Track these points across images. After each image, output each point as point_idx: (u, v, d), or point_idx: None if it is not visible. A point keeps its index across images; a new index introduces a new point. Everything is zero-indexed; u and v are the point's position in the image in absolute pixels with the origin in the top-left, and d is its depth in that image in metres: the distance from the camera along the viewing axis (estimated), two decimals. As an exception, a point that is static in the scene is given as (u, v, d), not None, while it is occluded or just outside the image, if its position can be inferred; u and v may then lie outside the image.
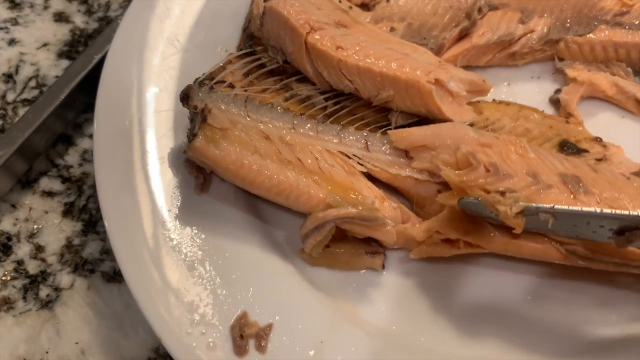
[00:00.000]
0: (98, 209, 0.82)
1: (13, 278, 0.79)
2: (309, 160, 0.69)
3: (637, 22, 0.81)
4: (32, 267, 0.80)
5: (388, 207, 0.68)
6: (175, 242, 0.69)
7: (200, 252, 0.69)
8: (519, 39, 0.82)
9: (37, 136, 0.84)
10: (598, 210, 0.57)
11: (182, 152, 0.75)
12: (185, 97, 0.69)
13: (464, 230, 0.65)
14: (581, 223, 0.59)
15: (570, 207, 0.59)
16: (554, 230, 0.61)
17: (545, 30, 0.81)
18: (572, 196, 0.65)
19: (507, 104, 0.79)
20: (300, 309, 0.66)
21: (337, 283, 0.69)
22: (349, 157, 0.71)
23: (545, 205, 0.59)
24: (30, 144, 0.84)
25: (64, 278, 0.79)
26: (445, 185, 0.68)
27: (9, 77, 0.95)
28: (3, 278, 0.79)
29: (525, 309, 0.68)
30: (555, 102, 0.82)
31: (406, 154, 0.72)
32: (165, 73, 0.81)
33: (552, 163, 0.68)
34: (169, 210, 0.71)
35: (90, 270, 0.79)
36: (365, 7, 0.85)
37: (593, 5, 0.83)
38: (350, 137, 0.73)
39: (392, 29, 0.82)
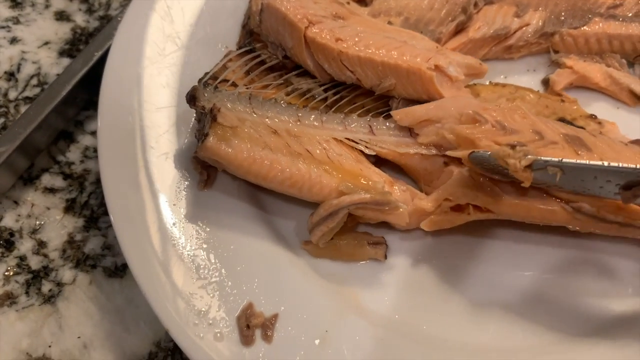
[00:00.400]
0: (99, 205, 0.84)
1: (16, 273, 0.79)
2: (318, 151, 0.69)
3: (630, 15, 0.82)
4: (35, 262, 0.80)
5: (398, 190, 0.70)
6: (180, 236, 0.69)
7: (205, 245, 0.69)
8: (515, 32, 0.83)
9: (39, 133, 0.85)
10: (606, 163, 0.58)
11: (183, 147, 0.76)
12: (192, 98, 0.70)
13: (473, 194, 0.65)
14: (588, 178, 0.60)
15: (578, 161, 0.59)
16: (562, 184, 0.61)
17: (540, 23, 0.82)
18: (575, 154, 0.66)
19: (503, 85, 0.81)
20: (305, 299, 0.66)
21: (340, 274, 0.70)
22: (356, 142, 0.72)
23: (553, 159, 0.60)
24: (32, 141, 0.84)
25: (66, 273, 0.79)
26: (451, 159, 0.69)
27: (11, 76, 0.95)
28: (6, 273, 0.79)
29: (527, 296, 0.69)
30: (545, 82, 0.84)
31: (410, 133, 0.73)
32: (166, 70, 0.81)
33: (553, 126, 0.70)
34: (174, 205, 0.71)
35: (92, 266, 0.80)
36: (362, 2, 0.86)
37: (587, -2, 0.84)
38: (355, 124, 0.74)
39: (389, 24, 0.82)
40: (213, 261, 0.68)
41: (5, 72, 0.96)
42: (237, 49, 0.83)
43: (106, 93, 0.78)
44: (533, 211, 0.66)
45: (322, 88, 0.78)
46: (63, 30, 1.00)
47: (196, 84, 0.76)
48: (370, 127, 0.74)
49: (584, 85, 0.83)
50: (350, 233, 0.70)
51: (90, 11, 1.02)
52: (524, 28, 0.83)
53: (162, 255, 0.68)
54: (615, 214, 0.64)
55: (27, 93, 0.94)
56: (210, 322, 0.64)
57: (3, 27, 1.00)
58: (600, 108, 0.80)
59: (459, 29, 0.82)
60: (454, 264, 0.71)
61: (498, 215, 0.68)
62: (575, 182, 0.61)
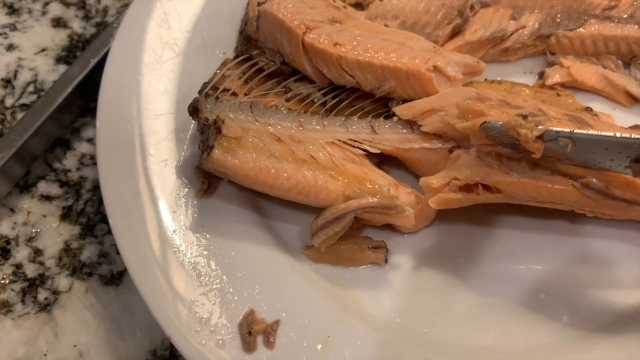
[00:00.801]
0: (96, 213, 0.83)
1: (12, 281, 0.79)
2: (322, 156, 0.69)
3: (625, 16, 0.82)
4: (31, 270, 0.80)
5: (403, 193, 0.70)
6: (180, 243, 0.69)
7: (206, 252, 0.69)
8: (511, 35, 0.83)
9: (35, 140, 0.84)
10: (618, 134, 0.57)
11: (183, 154, 0.76)
12: (194, 110, 0.70)
13: (482, 172, 0.65)
14: (599, 150, 0.59)
15: (590, 132, 0.59)
16: (572, 157, 0.61)
17: (536, 25, 0.83)
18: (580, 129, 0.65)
19: (499, 82, 0.81)
20: (306, 304, 0.67)
21: (341, 278, 0.70)
22: (360, 142, 0.72)
23: (565, 130, 0.60)
24: (28, 148, 0.84)
25: (62, 281, 0.79)
26: (456, 146, 0.70)
27: (7, 82, 0.95)
28: (2, 281, 0.79)
29: (528, 297, 0.69)
30: (540, 75, 0.84)
31: (412, 129, 0.73)
32: (164, 77, 0.81)
33: (554, 108, 0.70)
34: (174, 212, 0.71)
35: (88, 274, 0.79)
36: (359, 6, 0.87)
37: (582, 0, 0.84)
38: (356, 125, 0.74)
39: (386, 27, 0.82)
40: (214, 268, 0.68)
41: (2, 79, 0.95)
42: (234, 56, 0.83)
43: (105, 100, 0.78)
44: (542, 189, 0.65)
45: (321, 92, 0.78)
46: (60, 37, 1.00)
47: (195, 91, 0.77)
48: (372, 127, 0.74)
49: (581, 88, 0.83)
50: (350, 238, 0.71)
51: (87, 18, 1.02)
52: (520, 30, 0.83)
53: (163, 262, 0.68)
54: (623, 190, 0.64)
55: (24, 100, 0.94)
56: (212, 329, 0.64)
57: (0, 34, 1.00)
58: (597, 109, 0.80)
59: (456, 32, 0.83)
60: (455, 267, 0.71)
61: (507, 197, 0.67)
62: (586, 155, 0.61)
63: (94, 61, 0.88)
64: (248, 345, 0.63)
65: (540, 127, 0.60)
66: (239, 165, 0.67)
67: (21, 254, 0.81)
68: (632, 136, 0.57)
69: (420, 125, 0.73)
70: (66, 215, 0.84)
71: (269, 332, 0.64)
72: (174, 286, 0.66)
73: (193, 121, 0.76)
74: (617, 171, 0.61)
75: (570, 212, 0.69)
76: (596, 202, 0.65)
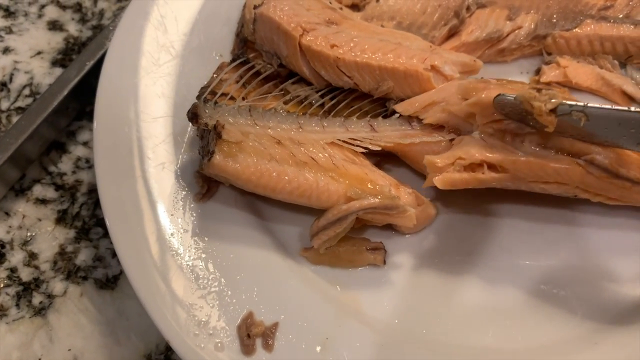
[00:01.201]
0: (91, 217, 0.83)
1: (6, 285, 0.78)
2: (323, 158, 0.69)
3: (621, 16, 0.83)
4: (26, 274, 0.79)
5: (404, 193, 0.70)
6: (178, 246, 0.69)
7: (204, 255, 0.69)
8: (507, 35, 0.83)
9: (30, 143, 0.84)
10: (632, 108, 0.58)
11: (180, 157, 0.76)
12: (193, 116, 0.70)
13: (487, 150, 0.65)
14: (612, 125, 0.59)
15: (603, 106, 0.59)
16: (585, 132, 0.61)
17: (532, 26, 0.83)
18: None
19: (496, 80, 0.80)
20: (304, 306, 0.67)
21: (339, 280, 0.70)
22: (361, 141, 0.72)
23: (578, 103, 0.60)
24: (23, 151, 0.83)
25: (57, 285, 0.78)
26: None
27: (3, 86, 0.95)
28: (-4, 285, 0.78)
29: (527, 297, 0.69)
30: (537, 72, 0.85)
31: (411, 126, 0.73)
32: (161, 79, 0.81)
33: None
34: (172, 215, 0.71)
35: (83, 278, 0.79)
36: (355, 7, 0.87)
37: (578, 0, 0.85)
38: (355, 125, 0.74)
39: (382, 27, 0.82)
40: (212, 271, 0.68)
41: (-2, 83, 0.95)
42: (231, 59, 0.83)
43: (102, 104, 0.78)
44: (547, 168, 0.65)
45: (319, 94, 0.78)
46: (56, 40, 0.99)
47: (192, 94, 0.77)
48: (371, 126, 0.74)
49: (578, 89, 0.83)
50: (348, 239, 0.70)
51: (83, 21, 1.01)
52: (516, 31, 0.83)
53: (161, 265, 0.68)
54: (628, 168, 0.64)
55: (20, 103, 0.93)
56: (211, 332, 0.64)
57: (-5, 37, 1.00)
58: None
59: (452, 33, 0.83)
60: (453, 268, 0.71)
61: (512, 177, 0.67)
62: (599, 130, 0.61)
63: (89, 64, 0.88)
64: (247, 348, 0.63)
65: (554, 100, 0.60)
66: (241, 169, 0.67)
67: (16, 257, 0.80)
68: None
69: (422, 120, 0.73)
70: (61, 218, 0.83)
71: (268, 335, 0.64)
72: (172, 289, 0.66)
73: (191, 124, 0.75)
74: (629, 148, 0.61)
75: (570, 213, 0.70)
76: (600, 181, 0.65)
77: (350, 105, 0.77)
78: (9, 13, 1.02)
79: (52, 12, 1.02)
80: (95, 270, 0.79)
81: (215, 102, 0.72)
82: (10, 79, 0.95)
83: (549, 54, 0.85)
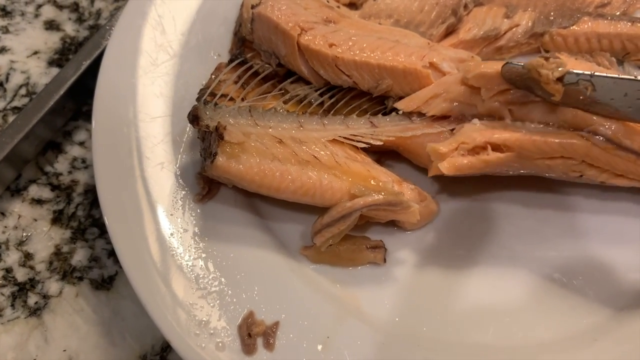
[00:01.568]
0: (87, 217, 0.83)
1: (1, 286, 0.78)
2: (325, 157, 0.69)
3: (618, 13, 0.83)
4: (21, 274, 0.79)
5: (406, 189, 0.70)
6: (178, 246, 0.69)
7: (204, 254, 0.69)
8: (505, 33, 0.83)
9: (26, 143, 0.83)
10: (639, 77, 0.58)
11: (179, 156, 0.75)
12: (194, 118, 0.70)
13: (490, 131, 0.66)
14: (618, 95, 0.60)
15: (610, 75, 0.60)
16: (591, 101, 0.62)
17: (530, 24, 0.83)
18: None
19: None
20: (305, 305, 0.67)
21: (340, 278, 0.70)
22: (362, 137, 0.72)
23: (585, 72, 0.60)
24: (19, 151, 0.83)
25: (53, 285, 0.78)
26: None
27: (-1, 85, 0.95)
28: (-9, 286, 0.77)
29: (527, 295, 0.69)
30: None
31: (411, 120, 0.73)
32: (159, 79, 0.81)
33: None
34: (171, 215, 0.71)
35: (79, 278, 0.78)
36: (353, 5, 0.87)
37: (575, -3, 0.85)
38: (356, 122, 0.74)
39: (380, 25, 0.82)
40: (212, 270, 0.68)
41: (-7, 82, 0.95)
42: (229, 59, 0.83)
43: (100, 104, 0.77)
44: (552, 143, 0.66)
45: (318, 93, 0.78)
46: (52, 40, 0.99)
47: (191, 93, 0.78)
48: (372, 122, 0.74)
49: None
50: (348, 238, 0.70)
51: (80, 20, 1.01)
52: (513, 29, 0.83)
53: (161, 265, 0.67)
54: (632, 140, 0.64)
55: (16, 103, 0.93)
56: (212, 331, 0.64)
57: (-8, 37, 0.99)
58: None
59: (450, 31, 0.83)
60: (454, 266, 0.71)
61: (517, 156, 0.67)
62: (605, 100, 0.61)
63: (86, 64, 0.87)
64: (248, 348, 0.63)
65: (561, 68, 0.61)
66: (244, 170, 0.66)
67: (11, 258, 0.80)
68: None
69: (424, 114, 0.73)
70: (57, 219, 0.83)
71: (269, 334, 0.64)
72: (172, 289, 0.66)
73: (189, 123, 0.75)
74: (635, 119, 0.62)
75: (570, 212, 0.71)
76: (606, 153, 0.65)
77: (350, 103, 0.77)
78: (5, 12, 1.01)
79: (48, 11, 1.02)
80: (90, 271, 0.79)
81: (216, 104, 0.72)
82: (7, 79, 0.95)
83: (547, 51, 0.84)
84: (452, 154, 0.68)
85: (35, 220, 0.83)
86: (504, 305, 0.68)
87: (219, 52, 0.85)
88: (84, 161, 0.88)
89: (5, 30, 1.00)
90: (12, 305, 0.76)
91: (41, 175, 0.87)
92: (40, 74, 0.95)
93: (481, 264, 0.71)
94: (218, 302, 0.66)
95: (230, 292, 0.67)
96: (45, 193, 0.85)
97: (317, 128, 0.73)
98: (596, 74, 0.60)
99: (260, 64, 0.80)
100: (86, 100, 0.89)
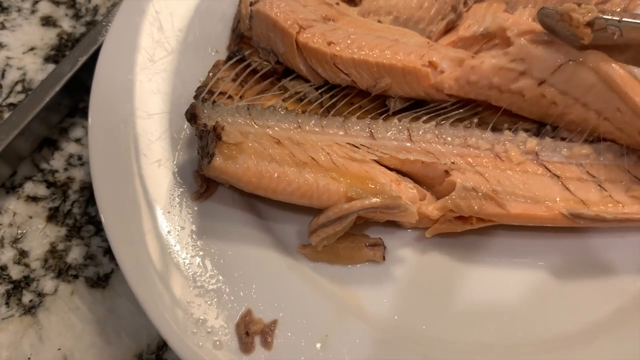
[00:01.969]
0: (83, 214, 0.82)
1: (-5, 283, 0.77)
2: (322, 157, 0.69)
3: (619, 10, 0.82)
4: (16, 272, 0.78)
5: (405, 189, 0.70)
6: (175, 244, 0.69)
7: (201, 252, 0.69)
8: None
9: (21, 140, 0.83)
10: None
11: (176, 154, 0.75)
12: (192, 117, 0.69)
13: (478, 207, 0.67)
14: None
15: (637, 20, 0.64)
16: (618, 44, 0.66)
17: (530, 20, 0.81)
18: None
19: None
20: (304, 303, 0.66)
21: (339, 276, 0.70)
22: (358, 148, 0.71)
23: (614, 17, 0.64)
24: (14, 148, 0.82)
25: (48, 283, 0.77)
26: (452, 167, 0.70)
27: (-5, 82, 0.94)
28: (-15, 283, 0.77)
29: (526, 293, 0.69)
30: None
31: (410, 136, 0.72)
32: (157, 76, 0.80)
33: None
34: (168, 212, 0.71)
35: (74, 276, 0.78)
36: (352, 2, 0.86)
37: (575, -6, 0.84)
38: (355, 127, 0.73)
39: (379, 23, 0.82)
40: (210, 268, 0.68)
41: (-11, 79, 0.94)
42: (227, 56, 0.82)
43: (96, 100, 0.77)
44: (535, 220, 0.68)
45: (319, 92, 0.77)
46: (49, 36, 0.98)
47: (188, 90, 0.77)
48: (371, 130, 0.73)
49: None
50: (347, 236, 0.70)
51: (77, 17, 1.00)
52: (514, 25, 0.82)
53: (158, 263, 0.67)
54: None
55: (12, 99, 0.92)
56: (209, 330, 0.64)
57: (-13, 33, 0.98)
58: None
59: (449, 28, 0.82)
60: (453, 264, 0.71)
61: (500, 222, 0.69)
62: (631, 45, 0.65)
63: (82, 60, 0.87)
64: (246, 346, 0.63)
65: (590, 13, 0.64)
66: (241, 172, 0.66)
67: (6, 255, 0.79)
68: None
69: (429, 117, 0.74)
70: (52, 216, 0.82)
71: (267, 332, 0.64)
72: (169, 287, 0.65)
73: (187, 122, 0.75)
74: None
75: None
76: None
77: (351, 102, 0.76)
78: (1, 8, 1.00)
79: (45, 7, 1.01)
80: (86, 269, 0.78)
81: (214, 102, 0.71)
82: (3, 75, 0.94)
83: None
84: (439, 219, 0.69)
85: (31, 217, 0.82)
86: (504, 303, 0.68)
87: (216, 49, 0.84)
88: (80, 158, 0.87)
89: (2, 26, 0.99)
90: (7, 304, 0.75)
91: (37, 172, 0.86)
92: (36, 70, 0.95)
93: (481, 263, 0.71)
94: (215, 300, 0.65)
95: (227, 290, 0.66)
96: (41, 190, 0.84)
97: (315, 130, 0.72)
98: (623, 20, 0.64)
99: (258, 62, 0.79)
100: (82, 96, 0.89)
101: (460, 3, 0.82)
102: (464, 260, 0.71)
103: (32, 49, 0.97)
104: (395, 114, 0.76)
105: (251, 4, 0.79)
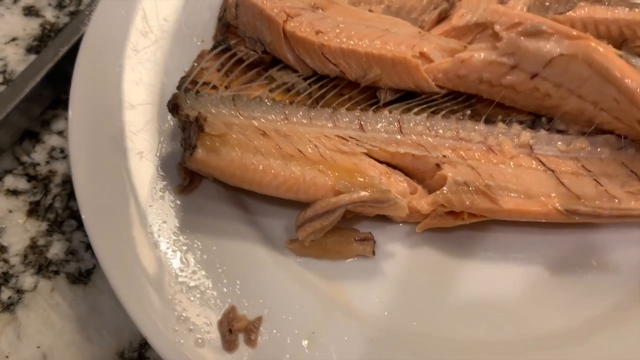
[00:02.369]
0: (65, 208, 0.80)
1: (-27, 280, 0.75)
2: (309, 150, 0.67)
3: (616, -1, 0.81)
4: (-7, 268, 0.76)
5: (395, 182, 0.68)
6: (157, 238, 0.67)
7: (184, 247, 0.67)
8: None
9: (1, 132, 0.81)
10: None
11: (159, 146, 0.74)
12: (174, 107, 0.68)
13: (469, 201, 0.66)
14: None
15: None
16: None
17: (525, 9, 0.81)
18: None
19: None
20: (290, 300, 0.65)
21: (327, 272, 0.68)
22: (347, 140, 0.70)
23: None
24: (-6, 140, 0.80)
25: (27, 280, 0.75)
26: (443, 161, 0.69)
27: (-25, 73, 0.92)
28: (-38, 279, 0.75)
29: (519, 289, 0.68)
30: None
31: (401, 128, 0.71)
32: (140, 65, 0.79)
33: None
34: (150, 206, 0.69)
35: (55, 272, 0.76)
36: (342, -10, 0.84)
37: (572, -18, 0.83)
38: (344, 119, 0.72)
39: (370, 12, 0.80)
40: (193, 264, 0.66)
41: (-31, 70, 0.92)
42: (213, 45, 0.80)
43: (77, 91, 0.75)
44: (529, 215, 0.67)
45: (307, 82, 0.76)
46: (31, 26, 0.96)
47: (172, 81, 0.75)
48: (360, 122, 0.71)
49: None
50: (336, 230, 0.69)
51: (60, 6, 0.98)
52: (509, 15, 0.81)
53: (139, 259, 0.65)
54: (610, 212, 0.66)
55: (-8, 91, 0.90)
56: (191, 327, 0.62)
57: (-32, 23, 0.96)
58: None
59: (442, 17, 0.80)
60: (445, 259, 0.70)
61: (492, 218, 0.69)
62: None
63: (64, 49, 0.85)
64: (229, 344, 0.61)
65: None
66: (224, 164, 0.64)
67: (-16, 251, 0.77)
68: None
69: (421, 108, 0.72)
70: (33, 210, 0.81)
71: (251, 330, 0.62)
72: (150, 284, 0.64)
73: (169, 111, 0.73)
74: None
75: None
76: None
77: (340, 93, 0.75)
78: (-18, -2, 0.98)
79: (27, -3, 0.99)
80: (67, 264, 0.76)
81: (197, 92, 0.70)
82: (-17, 66, 0.92)
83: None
84: (430, 214, 0.68)
85: (10, 211, 0.80)
86: (497, 299, 0.67)
87: (202, 39, 0.83)
88: (62, 151, 0.85)
89: (-18, 16, 0.97)
90: (-16, 300, 0.74)
91: (17, 165, 0.84)
92: (18, 61, 0.93)
93: (474, 258, 0.70)
94: (198, 296, 0.64)
95: (211, 286, 0.65)
96: (22, 184, 0.82)
97: (302, 122, 0.70)
98: None
99: (244, 51, 0.78)
100: (65, 88, 0.85)
101: (453, -8, 0.80)
102: (456, 255, 0.70)
103: (13, 39, 0.95)
104: (385, 105, 0.74)
105: (238, -8, 0.77)
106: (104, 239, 0.66)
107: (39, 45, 0.94)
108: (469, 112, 0.73)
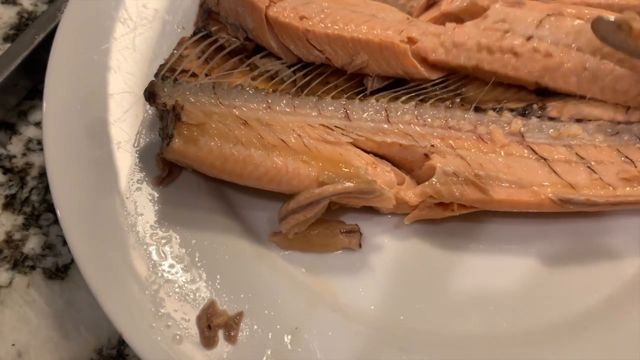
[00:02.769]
0: (42, 202, 0.79)
1: (-55, 275, 0.73)
2: (293, 140, 0.66)
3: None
4: (-33, 264, 0.74)
5: (381, 172, 0.67)
6: (135, 231, 0.66)
7: (162, 240, 0.66)
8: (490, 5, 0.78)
9: (-24, 123, 0.78)
10: None
11: (137, 136, 0.72)
12: (150, 95, 0.66)
13: (459, 192, 0.65)
14: None
15: None
16: None
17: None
18: None
19: None
20: (272, 295, 0.64)
21: (312, 265, 0.67)
22: (332, 129, 0.68)
23: None
24: (-32, 132, 0.78)
25: (2, 275, 0.74)
26: (431, 151, 0.68)
27: (-52, 62, 0.89)
28: None
29: (510, 282, 0.67)
30: None
31: (388, 117, 0.69)
32: (118, 54, 0.77)
33: None
34: (127, 198, 0.68)
35: (31, 267, 0.75)
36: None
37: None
38: (329, 108, 0.70)
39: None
40: (171, 257, 0.65)
41: (-58, 59, 0.89)
42: (193, 33, 0.78)
43: (53, 80, 0.73)
44: (521, 206, 0.66)
45: (291, 70, 0.73)
46: (8, 15, 0.94)
47: (151, 69, 0.74)
48: (346, 111, 0.70)
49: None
50: (321, 222, 0.67)
51: (37, -6, 0.96)
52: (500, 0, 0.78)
53: (115, 253, 0.64)
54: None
55: (-33, 81, 0.87)
56: (169, 323, 0.61)
57: (-59, 11, 0.94)
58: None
59: (431, 3, 0.78)
60: (434, 251, 0.69)
61: (482, 209, 0.67)
62: None
63: (39, 37, 0.82)
64: (207, 340, 0.60)
65: None
66: (203, 155, 0.63)
67: (-43, 246, 0.75)
68: None
69: (408, 96, 0.71)
70: (9, 204, 0.79)
71: (231, 326, 0.61)
72: (126, 278, 0.63)
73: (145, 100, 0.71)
74: None
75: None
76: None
77: (326, 81, 0.73)
78: (-44, -16, 0.96)
79: (4, -16, 0.97)
80: (44, 259, 0.75)
81: (175, 80, 0.68)
82: (-43, 55, 0.89)
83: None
84: (419, 205, 0.67)
85: (-15, 205, 0.78)
86: (488, 293, 0.66)
87: (183, 25, 0.81)
88: (39, 143, 0.84)
89: (-44, 3, 0.94)
90: (-43, 297, 0.72)
91: (-8, 157, 0.82)
92: (-6, 50, 0.90)
93: (464, 250, 0.69)
94: (177, 291, 0.63)
95: (189, 280, 0.64)
96: (-3, 177, 0.81)
97: (286, 110, 0.69)
98: None
99: (226, 38, 0.76)
100: (41, 77, 0.83)
101: (443, -24, 0.78)
102: (446, 247, 0.69)
103: (-11, 27, 0.92)
104: (373, 93, 0.73)
105: (219, -23, 0.75)
106: (79, 233, 0.64)
107: (16, 34, 0.92)
108: (458, 100, 0.71)
